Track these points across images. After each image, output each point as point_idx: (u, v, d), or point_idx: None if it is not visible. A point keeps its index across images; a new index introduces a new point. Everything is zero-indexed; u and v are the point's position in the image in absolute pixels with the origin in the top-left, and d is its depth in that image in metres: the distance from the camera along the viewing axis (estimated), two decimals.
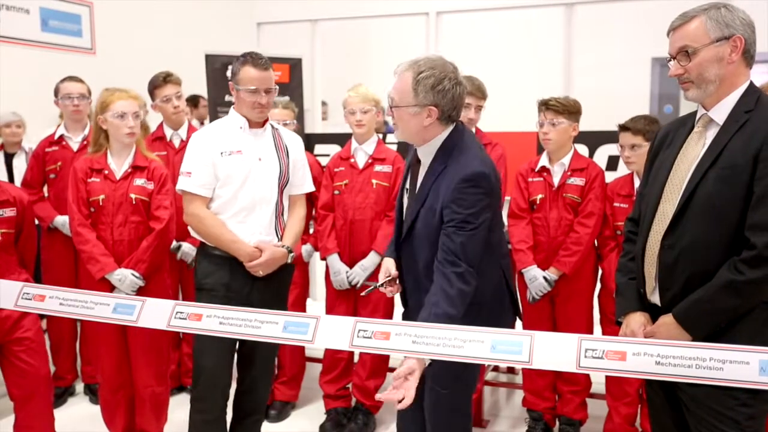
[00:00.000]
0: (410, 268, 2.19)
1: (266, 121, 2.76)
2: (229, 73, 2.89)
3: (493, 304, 2.20)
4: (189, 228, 2.77)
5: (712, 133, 1.85)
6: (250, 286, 2.68)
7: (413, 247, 2.16)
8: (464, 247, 2.00)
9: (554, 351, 1.74)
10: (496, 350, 1.78)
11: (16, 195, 2.81)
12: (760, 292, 1.75)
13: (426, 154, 2.15)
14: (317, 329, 1.98)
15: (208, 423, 2.72)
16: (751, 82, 1.85)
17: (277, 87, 2.74)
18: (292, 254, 2.76)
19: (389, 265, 2.26)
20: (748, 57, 1.83)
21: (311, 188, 2.96)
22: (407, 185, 2.25)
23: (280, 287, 2.83)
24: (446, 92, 2.04)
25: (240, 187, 2.66)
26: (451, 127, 2.12)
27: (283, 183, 2.76)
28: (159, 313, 2.22)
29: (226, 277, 2.66)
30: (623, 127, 3.03)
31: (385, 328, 1.90)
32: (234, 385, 2.88)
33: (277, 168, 2.73)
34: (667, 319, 1.87)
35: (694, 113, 1.94)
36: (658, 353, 1.63)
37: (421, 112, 2.05)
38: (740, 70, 1.83)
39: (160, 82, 3.62)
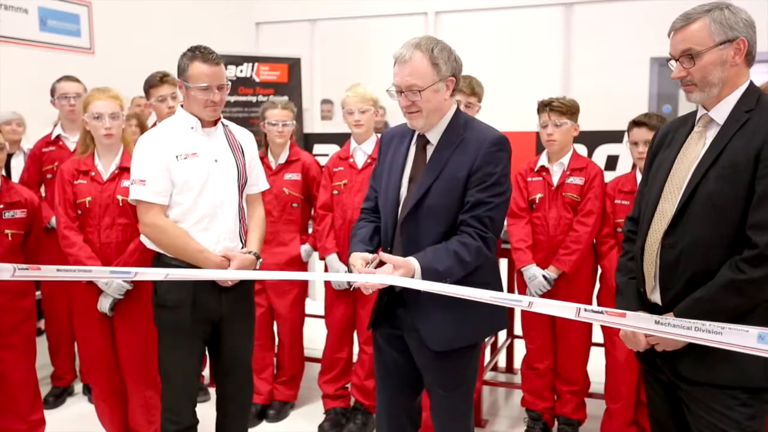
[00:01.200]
0: (411, 252, 2.07)
1: (218, 119, 2.60)
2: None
3: (497, 284, 2.25)
4: (143, 238, 2.58)
5: (712, 133, 1.85)
6: (216, 298, 2.52)
7: (417, 230, 2.11)
8: (496, 212, 2.07)
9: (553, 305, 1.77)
10: (496, 299, 1.81)
11: (28, 197, 2.80)
12: (761, 291, 1.75)
13: (436, 133, 2.15)
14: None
15: None
16: (751, 82, 1.84)
17: (229, 83, 2.56)
18: (260, 260, 2.63)
19: (362, 256, 2.11)
20: (750, 58, 1.82)
21: (266, 186, 2.81)
22: (406, 174, 2.18)
23: (247, 295, 2.69)
24: (456, 60, 2.11)
25: (199, 192, 2.48)
26: (455, 103, 2.19)
27: (242, 184, 2.60)
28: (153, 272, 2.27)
29: (190, 290, 2.47)
30: (638, 123, 3.00)
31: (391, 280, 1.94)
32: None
33: (235, 168, 2.57)
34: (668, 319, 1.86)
35: (694, 113, 1.94)
36: (658, 320, 1.63)
37: (441, 88, 2.08)
38: (742, 71, 1.82)
39: (156, 82, 3.61)
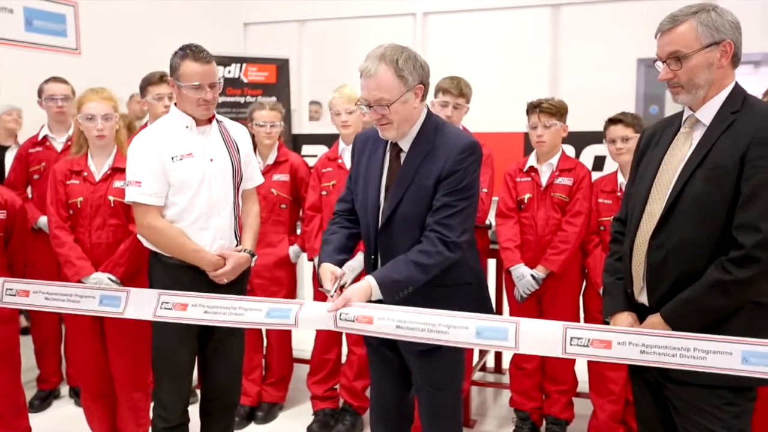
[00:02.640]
0: (390, 260, 2.10)
1: (212, 116, 2.59)
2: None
3: (480, 283, 2.26)
4: (140, 238, 2.59)
5: (698, 134, 1.86)
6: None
7: (392, 238, 2.13)
8: (460, 216, 2.06)
9: (540, 338, 1.78)
10: (481, 336, 1.82)
11: (8, 198, 2.78)
12: (747, 292, 1.76)
13: (408, 141, 2.15)
14: (299, 313, 2.00)
15: (170, 430, 2.61)
16: (737, 83, 1.86)
17: (222, 80, 2.56)
18: (254, 257, 2.64)
19: (332, 270, 2.10)
20: (736, 60, 1.84)
21: (261, 180, 2.82)
22: (383, 183, 2.19)
23: (240, 293, 2.64)
24: (423, 66, 2.09)
25: (196, 192, 2.49)
26: (426, 109, 2.18)
27: (237, 181, 2.61)
28: (144, 305, 2.23)
29: (185, 287, 2.41)
30: (614, 120, 3.07)
31: (367, 312, 1.93)
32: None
33: (230, 166, 2.58)
34: (654, 319, 1.87)
35: (681, 113, 1.95)
36: (643, 342, 1.67)
37: (409, 98, 2.07)
38: (727, 73, 1.84)
39: (156, 80, 3.57)
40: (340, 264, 2.15)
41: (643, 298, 1.94)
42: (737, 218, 1.74)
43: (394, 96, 2.03)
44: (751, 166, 1.73)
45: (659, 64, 1.88)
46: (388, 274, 2.03)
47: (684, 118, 1.92)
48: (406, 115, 2.09)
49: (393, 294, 2.02)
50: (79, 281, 2.81)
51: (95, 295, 2.27)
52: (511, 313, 3.25)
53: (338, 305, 1.96)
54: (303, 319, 2.01)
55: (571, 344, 1.73)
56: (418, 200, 2.09)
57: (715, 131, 1.81)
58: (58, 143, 3.71)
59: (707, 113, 1.84)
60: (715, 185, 1.77)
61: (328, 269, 2.10)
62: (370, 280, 2.02)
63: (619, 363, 1.78)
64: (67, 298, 2.29)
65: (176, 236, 2.48)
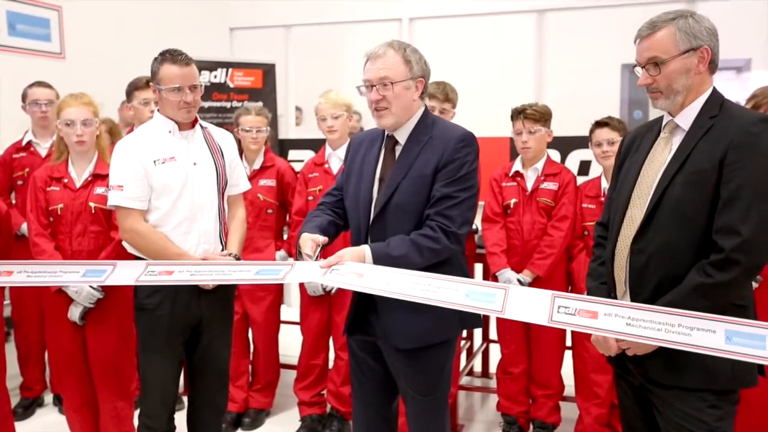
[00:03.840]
0: None
1: (196, 121, 2.59)
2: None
3: None
4: (125, 244, 2.57)
5: (678, 139, 1.89)
6: (197, 301, 2.51)
7: (385, 231, 2.11)
8: (460, 207, 2.08)
9: (527, 304, 1.78)
10: (470, 298, 1.83)
11: None
12: (728, 295, 1.78)
13: (404, 132, 2.17)
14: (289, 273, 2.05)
15: None
16: (714, 88, 1.89)
17: (202, 84, 2.55)
18: (240, 261, 2.60)
19: (312, 237, 2.09)
20: (713, 66, 1.87)
21: (247, 186, 2.81)
22: (377, 176, 2.19)
23: (228, 299, 2.68)
24: (426, 64, 2.17)
25: (178, 196, 2.48)
26: (423, 105, 2.22)
27: (222, 186, 2.60)
28: (129, 272, 2.26)
29: (170, 293, 2.47)
30: (601, 124, 3.11)
31: (359, 269, 1.97)
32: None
33: (214, 171, 2.56)
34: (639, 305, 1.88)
35: (661, 118, 1.98)
36: (629, 315, 1.69)
37: (411, 86, 2.12)
38: (705, 79, 1.87)
39: (142, 85, 3.55)
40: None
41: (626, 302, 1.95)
42: (717, 222, 1.76)
43: (399, 77, 2.08)
44: (729, 170, 1.75)
45: (638, 70, 1.90)
46: (383, 247, 2.04)
47: (663, 123, 1.95)
48: (406, 102, 2.12)
49: None
50: (59, 289, 2.78)
51: (79, 270, 2.32)
52: (498, 319, 3.26)
53: (331, 261, 1.99)
54: (291, 275, 2.05)
55: (558, 312, 1.74)
56: (415, 190, 2.10)
57: (694, 136, 1.84)
58: (43, 149, 3.68)
59: (686, 118, 1.87)
60: (695, 189, 1.79)
61: (308, 237, 2.11)
62: (365, 248, 2.03)
63: (605, 335, 1.79)
64: (50, 274, 2.32)
65: (158, 240, 2.47)
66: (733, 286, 1.76)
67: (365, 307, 2.20)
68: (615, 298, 1.97)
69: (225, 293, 2.62)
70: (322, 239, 2.10)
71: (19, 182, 3.65)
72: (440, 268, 2.07)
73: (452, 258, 2.15)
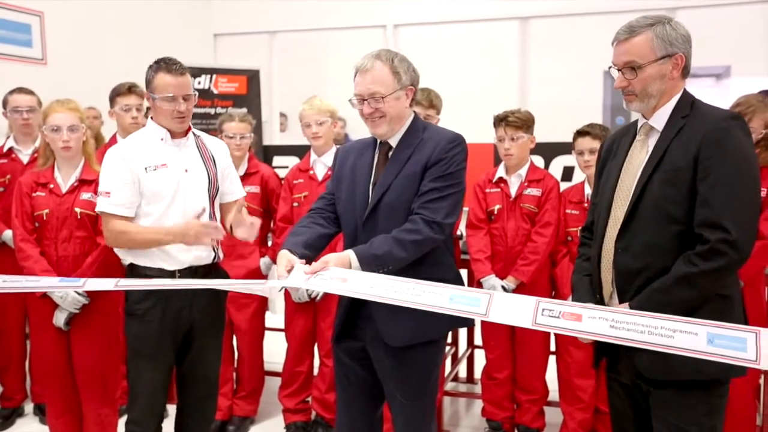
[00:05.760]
0: None
1: (189, 129, 2.60)
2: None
3: (457, 284, 2.24)
4: (115, 249, 2.57)
5: (653, 140, 1.95)
6: (189, 308, 2.51)
7: (376, 230, 2.12)
8: (445, 201, 2.10)
9: (511, 308, 1.80)
10: (454, 301, 1.84)
11: None
12: (713, 284, 1.83)
13: (397, 138, 2.21)
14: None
15: None
16: (685, 90, 1.95)
17: (197, 93, 2.57)
18: (245, 207, 2.60)
19: (289, 257, 2.07)
20: (686, 71, 1.94)
21: (242, 193, 2.81)
22: (372, 179, 2.22)
23: (219, 305, 2.66)
24: (414, 71, 2.20)
25: (170, 203, 2.49)
26: (413, 112, 2.26)
27: (213, 193, 2.60)
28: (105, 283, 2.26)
29: (161, 299, 2.47)
30: (582, 133, 3.15)
31: (344, 275, 1.97)
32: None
33: (206, 178, 2.57)
34: (623, 309, 1.91)
35: (636, 122, 2.04)
36: (613, 318, 1.71)
37: (401, 96, 2.15)
38: (678, 84, 1.94)
39: (124, 91, 3.54)
40: (303, 257, 2.11)
41: (614, 302, 1.98)
42: (698, 216, 1.81)
43: (389, 90, 2.12)
44: (704, 166, 1.81)
45: (614, 71, 1.96)
46: (367, 248, 2.06)
47: (639, 126, 2.01)
48: (399, 111, 2.17)
49: (372, 269, 2.03)
50: (45, 294, 2.76)
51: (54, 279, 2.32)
52: (482, 325, 3.27)
53: (316, 267, 1.99)
54: (275, 280, 2.06)
55: (542, 315, 1.76)
56: (404, 187, 2.14)
57: (668, 136, 1.90)
58: (24, 155, 3.65)
59: (659, 120, 1.93)
60: (672, 187, 1.85)
61: (285, 255, 2.08)
62: (349, 253, 2.04)
63: (589, 337, 1.81)
64: (26, 280, 2.33)
65: (143, 231, 2.47)
66: (718, 275, 1.81)
67: (355, 314, 2.21)
68: (601, 297, 2.00)
69: (217, 300, 2.61)
70: (297, 261, 2.06)
71: (0, 189, 3.61)
72: (429, 268, 2.10)
73: (441, 257, 2.18)
